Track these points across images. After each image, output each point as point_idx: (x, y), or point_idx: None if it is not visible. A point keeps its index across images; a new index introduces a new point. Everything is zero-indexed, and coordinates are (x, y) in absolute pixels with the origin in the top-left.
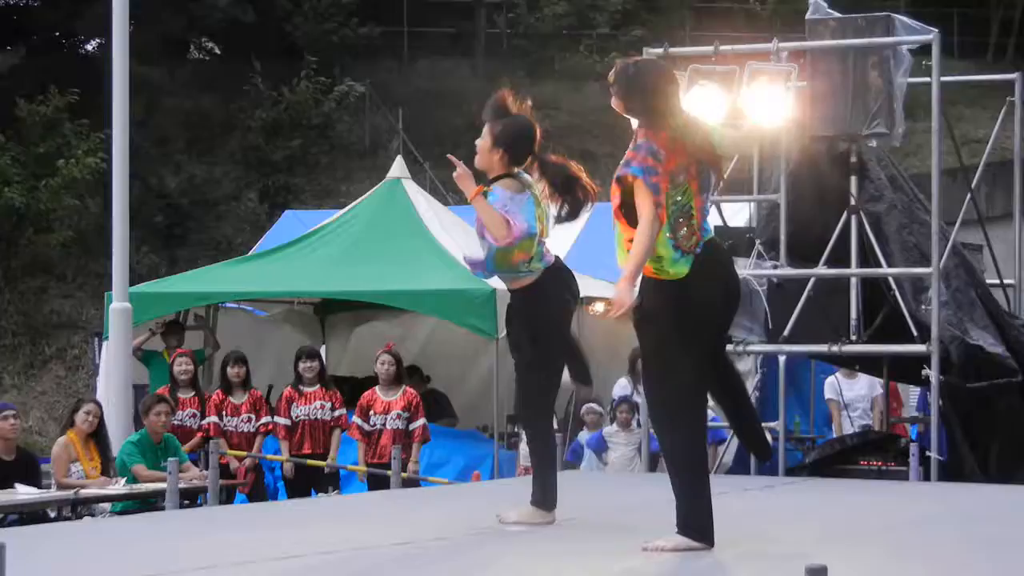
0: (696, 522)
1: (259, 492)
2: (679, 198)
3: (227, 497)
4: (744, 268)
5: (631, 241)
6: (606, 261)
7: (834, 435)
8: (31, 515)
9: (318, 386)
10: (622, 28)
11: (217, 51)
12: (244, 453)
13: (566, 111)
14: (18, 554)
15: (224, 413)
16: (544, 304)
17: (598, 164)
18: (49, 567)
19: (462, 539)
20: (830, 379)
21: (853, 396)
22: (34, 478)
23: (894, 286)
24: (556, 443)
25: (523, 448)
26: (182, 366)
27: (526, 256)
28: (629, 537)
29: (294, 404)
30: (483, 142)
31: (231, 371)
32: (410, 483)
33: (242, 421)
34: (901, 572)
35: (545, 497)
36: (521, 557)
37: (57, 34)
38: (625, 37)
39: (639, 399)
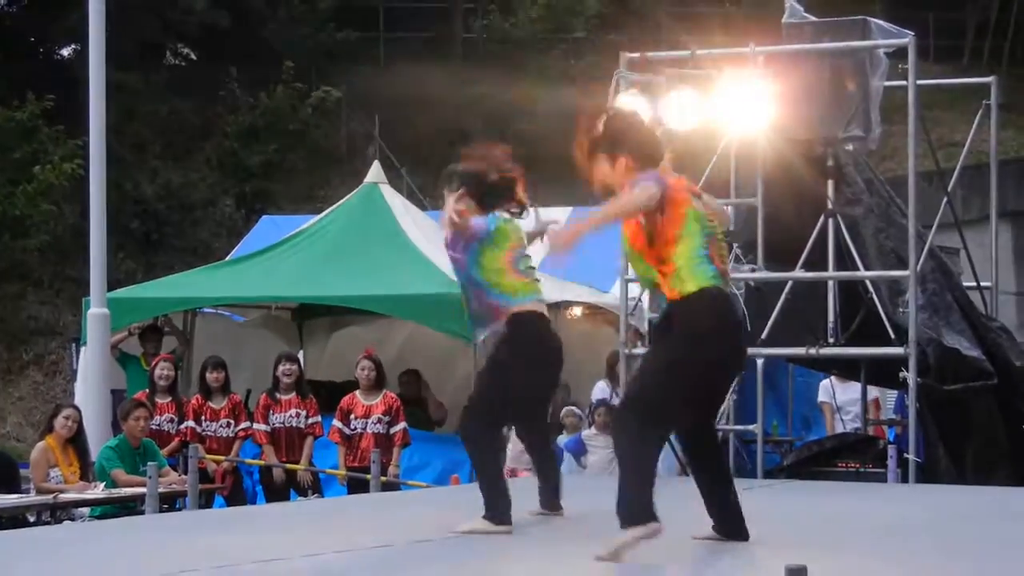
0: (638, 513)
1: (238, 496)
2: (710, 223)
3: (206, 501)
4: None
5: (659, 261)
6: (583, 265)
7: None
8: (10, 520)
9: (294, 394)
10: (598, 33)
11: (193, 56)
12: (222, 458)
13: (542, 115)
14: None
15: (203, 418)
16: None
17: (574, 168)
18: (29, 571)
19: (440, 542)
20: (824, 381)
21: (847, 399)
22: (13, 483)
23: (871, 289)
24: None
25: (509, 449)
26: (163, 371)
27: None
28: (608, 539)
29: (271, 412)
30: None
31: (210, 376)
32: (390, 487)
33: (221, 426)
34: (879, 572)
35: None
36: (498, 560)
37: (32, 40)
38: (601, 42)
39: (617, 402)
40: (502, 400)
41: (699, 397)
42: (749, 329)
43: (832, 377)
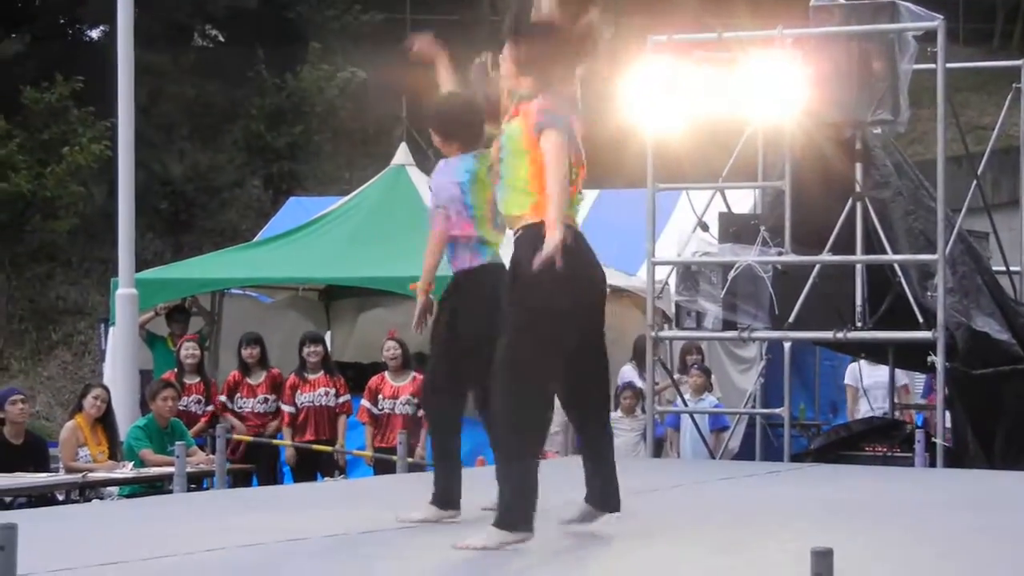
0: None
1: (272, 475)
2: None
3: (238, 480)
4: (749, 255)
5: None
6: (609, 248)
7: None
8: (39, 498)
9: (322, 372)
10: (625, 15)
11: (221, 38)
12: (249, 438)
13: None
14: (28, 535)
15: (239, 395)
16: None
17: (600, 151)
18: (59, 548)
19: (465, 523)
20: (852, 365)
21: (873, 382)
22: (42, 462)
23: (899, 273)
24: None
25: None
26: (189, 351)
27: None
28: (632, 521)
29: (298, 391)
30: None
31: (244, 352)
32: (416, 468)
33: (258, 402)
34: (907, 556)
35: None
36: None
37: (62, 21)
38: (628, 25)
39: (643, 385)
40: None
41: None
42: (776, 312)
43: (862, 360)
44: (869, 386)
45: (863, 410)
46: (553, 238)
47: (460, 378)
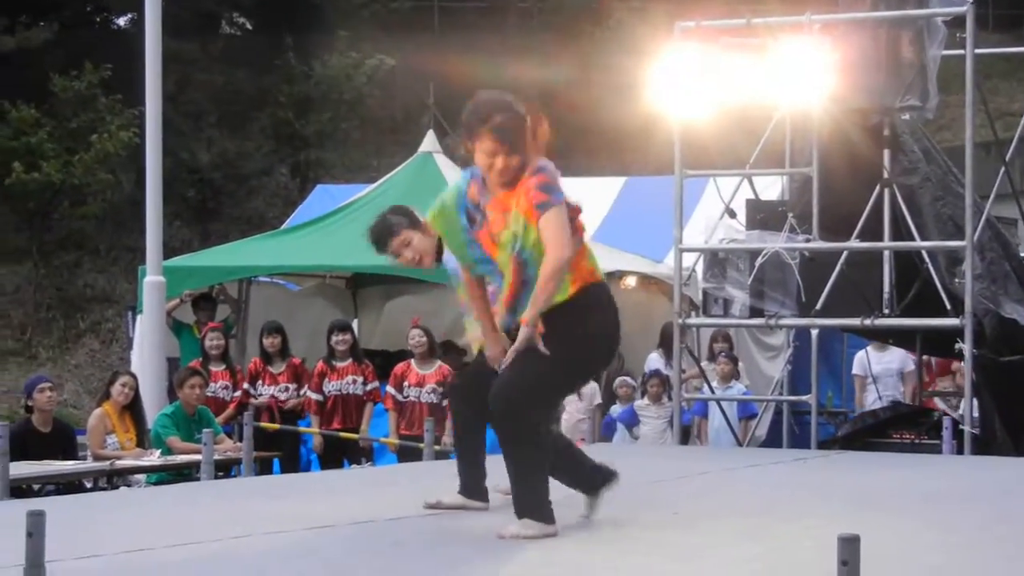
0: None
1: (293, 462)
2: None
3: (264, 468)
4: (777, 241)
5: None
6: (637, 235)
7: (856, 410)
8: (67, 486)
9: (350, 360)
10: (652, 2)
11: (249, 26)
12: (276, 426)
13: (595, 84)
14: (56, 522)
15: (261, 382)
16: None
17: (628, 138)
18: (86, 535)
19: (492, 511)
20: (859, 353)
21: (882, 370)
22: (70, 450)
23: (927, 259)
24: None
25: (564, 419)
26: (213, 340)
27: None
28: (661, 509)
29: (326, 379)
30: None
31: (266, 341)
32: (442, 456)
33: (279, 391)
34: (935, 543)
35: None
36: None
37: (90, 9)
38: (655, 11)
39: (670, 373)
40: None
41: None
42: (804, 299)
43: (869, 347)
44: (878, 373)
45: (870, 399)
46: (526, 334)
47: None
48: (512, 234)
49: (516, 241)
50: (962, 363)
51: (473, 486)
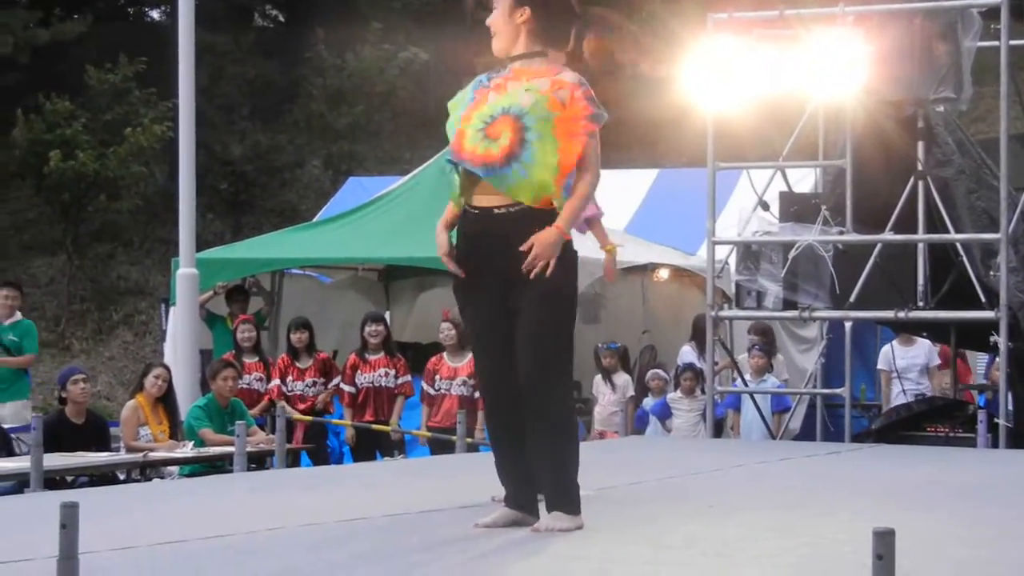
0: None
1: (321, 455)
2: None
3: (292, 460)
4: (810, 234)
5: (565, 165)
6: (669, 227)
7: (883, 404)
8: (101, 477)
9: (382, 353)
10: None
11: (281, 18)
12: (309, 418)
13: (628, 76)
14: (90, 514)
15: (289, 378)
16: None
17: (661, 130)
18: (120, 527)
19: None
20: (885, 348)
21: (907, 364)
22: (104, 441)
23: (962, 252)
24: None
25: (597, 412)
26: (245, 333)
27: None
28: (695, 501)
29: (359, 371)
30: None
31: (293, 336)
32: (473, 448)
33: (307, 386)
34: (970, 537)
35: None
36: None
37: (123, 2)
38: (689, 2)
39: (703, 366)
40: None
41: None
42: (837, 292)
43: (895, 341)
44: (903, 368)
45: (895, 392)
46: (555, 238)
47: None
48: (509, 99)
49: (513, 107)
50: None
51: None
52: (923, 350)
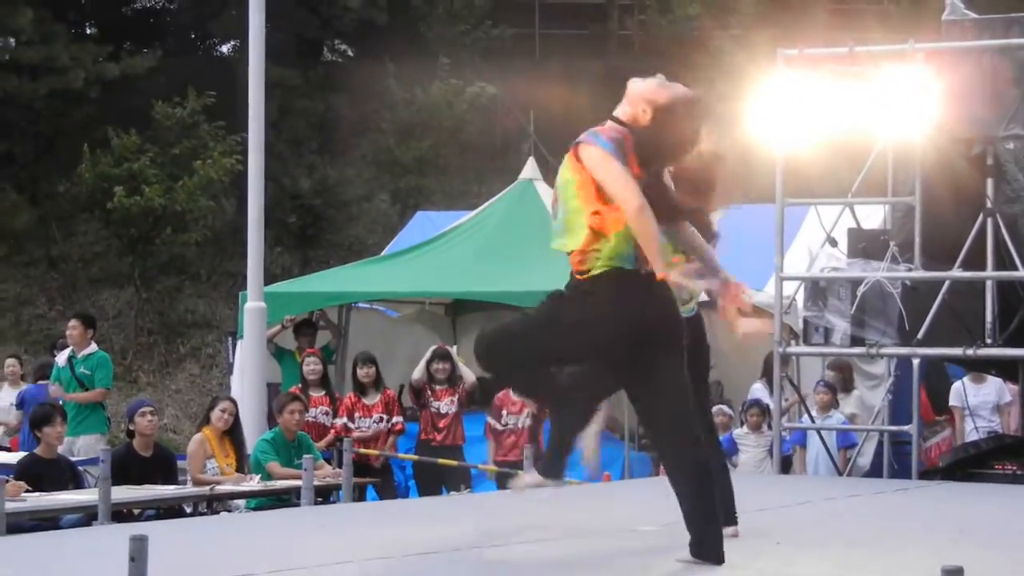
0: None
1: (389, 490)
2: None
3: (360, 494)
4: (878, 270)
5: (595, 214)
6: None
7: (955, 441)
8: (168, 510)
9: (446, 386)
10: (754, 29)
11: (350, 53)
12: (376, 451)
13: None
14: (158, 547)
15: (356, 414)
16: None
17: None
18: (187, 559)
19: (595, 538)
20: (956, 384)
21: (979, 402)
22: (171, 474)
23: None
24: None
25: None
26: (311, 366)
27: None
28: (762, 538)
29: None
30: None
31: (360, 372)
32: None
33: (374, 422)
34: None
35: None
36: (643, 556)
37: (193, 36)
38: (757, 38)
39: (770, 402)
40: None
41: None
42: (906, 328)
43: (966, 378)
44: (975, 405)
45: (967, 429)
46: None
47: None
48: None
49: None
50: None
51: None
52: (994, 387)
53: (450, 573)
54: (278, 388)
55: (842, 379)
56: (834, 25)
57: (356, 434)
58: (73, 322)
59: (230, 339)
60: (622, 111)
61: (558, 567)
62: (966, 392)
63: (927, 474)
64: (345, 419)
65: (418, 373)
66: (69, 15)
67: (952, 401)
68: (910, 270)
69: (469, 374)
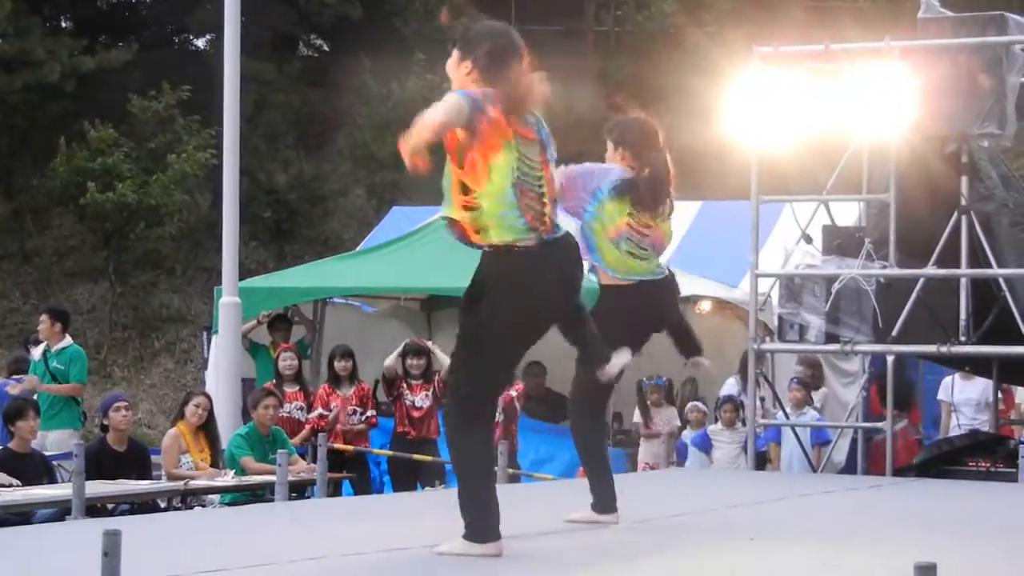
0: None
1: (364, 485)
2: (528, 168)
3: (334, 489)
4: (853, 267)
5: (462, 190)
6: (712, 259)
7: (941, 436)
8: (142, 505)
9: (421, 381)
10: (730, 26)
11: (326, 48)
12: (351, 447)
13: (673, 109)
14: (131, 542)
15: (333, 404)
16: None
17: (704, 162)
18: (161, 555)
19: (565, 534)
20: (946, 380)
21: (964, 399)
22: (145, 469)
23: (1004, 287)
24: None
25: (645, 445)
26: (286, 361)
27: None
28: (737, 534)
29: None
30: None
31: (338, 364)
32: (514, 479)
33: (348, 414)
34: (1011, 571)
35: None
36: (623, 556)
37: (169, 30)
38: (732, 36)
39: (744, 399)
40: None
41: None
42: (880, 325)
43: (956, 375)
44: (959, 402)
45: (952, 425)
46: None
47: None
48: None
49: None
50: None
51: (604, 500)
52: (980, 385)
53: (424, 570)
54: (253, 383)
55: (812, 376)
56: (810, 22)
57: (330, 418)
58: (43, 316)
59: (205, 334)
60: None
61: (533, 562)
62: (954, 388)
63: (901, 471)
64: (320, 410)
65: (390, 361)
66: (45, 8)
67: (940, 395)
68: (885, 267)
69: (445, 360)
